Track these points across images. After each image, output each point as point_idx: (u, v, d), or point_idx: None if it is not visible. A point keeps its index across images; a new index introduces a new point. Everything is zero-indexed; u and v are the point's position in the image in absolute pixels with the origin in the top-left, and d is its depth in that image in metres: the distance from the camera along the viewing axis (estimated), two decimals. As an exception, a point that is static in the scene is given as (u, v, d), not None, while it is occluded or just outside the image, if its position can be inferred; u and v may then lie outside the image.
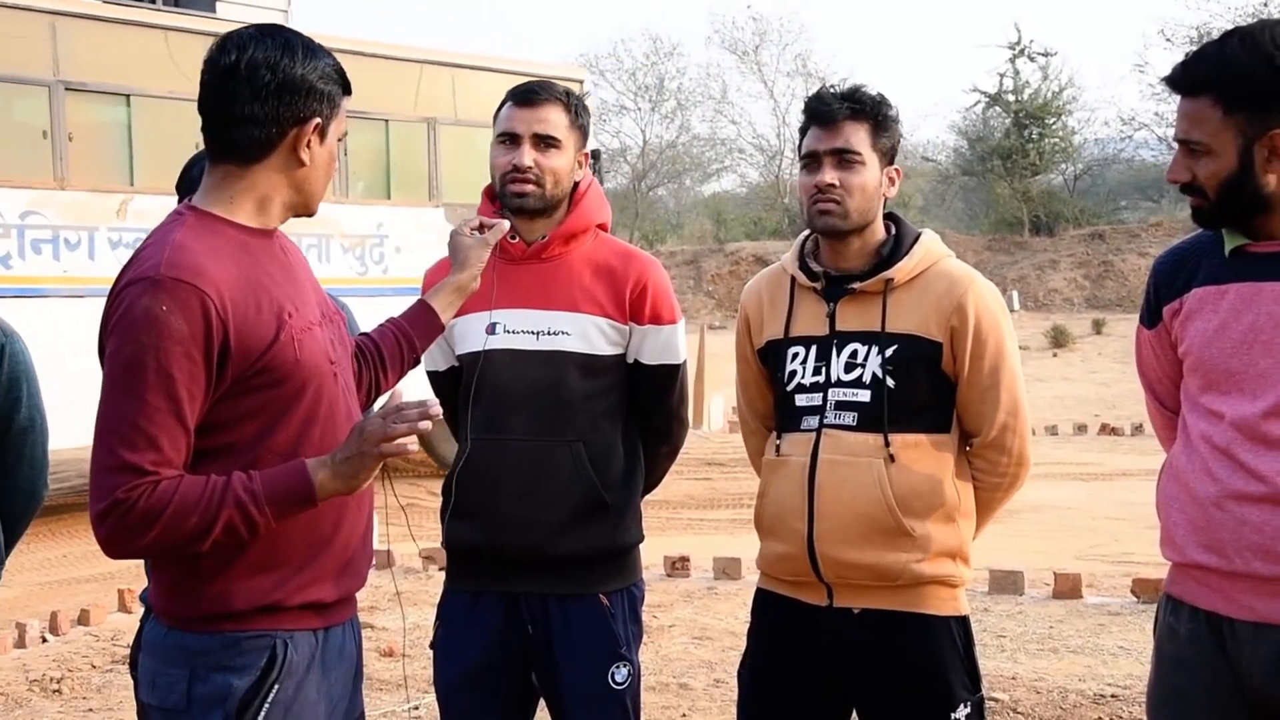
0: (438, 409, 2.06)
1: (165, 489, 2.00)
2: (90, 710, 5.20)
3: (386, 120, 11.10)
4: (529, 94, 2.86)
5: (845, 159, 2.70)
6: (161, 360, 1.99)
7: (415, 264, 10.93)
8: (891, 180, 2.78)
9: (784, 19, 51.14)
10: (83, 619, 6.52)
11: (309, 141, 2.18)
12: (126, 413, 2.00)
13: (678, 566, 7.29)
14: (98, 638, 6.29)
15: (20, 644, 6.09)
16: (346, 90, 2.26)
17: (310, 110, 2.17)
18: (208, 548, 2.05)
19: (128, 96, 9.61)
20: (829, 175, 2.70)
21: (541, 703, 2.98)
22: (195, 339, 2.01)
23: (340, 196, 10.72)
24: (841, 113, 2.71)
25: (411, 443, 2.06)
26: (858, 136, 2.71)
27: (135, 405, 1.99)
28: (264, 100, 2.12)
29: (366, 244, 10.87)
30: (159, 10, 10.15)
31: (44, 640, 6.23)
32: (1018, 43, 33.64)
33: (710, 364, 14.99)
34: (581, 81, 12.76)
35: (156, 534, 2.00)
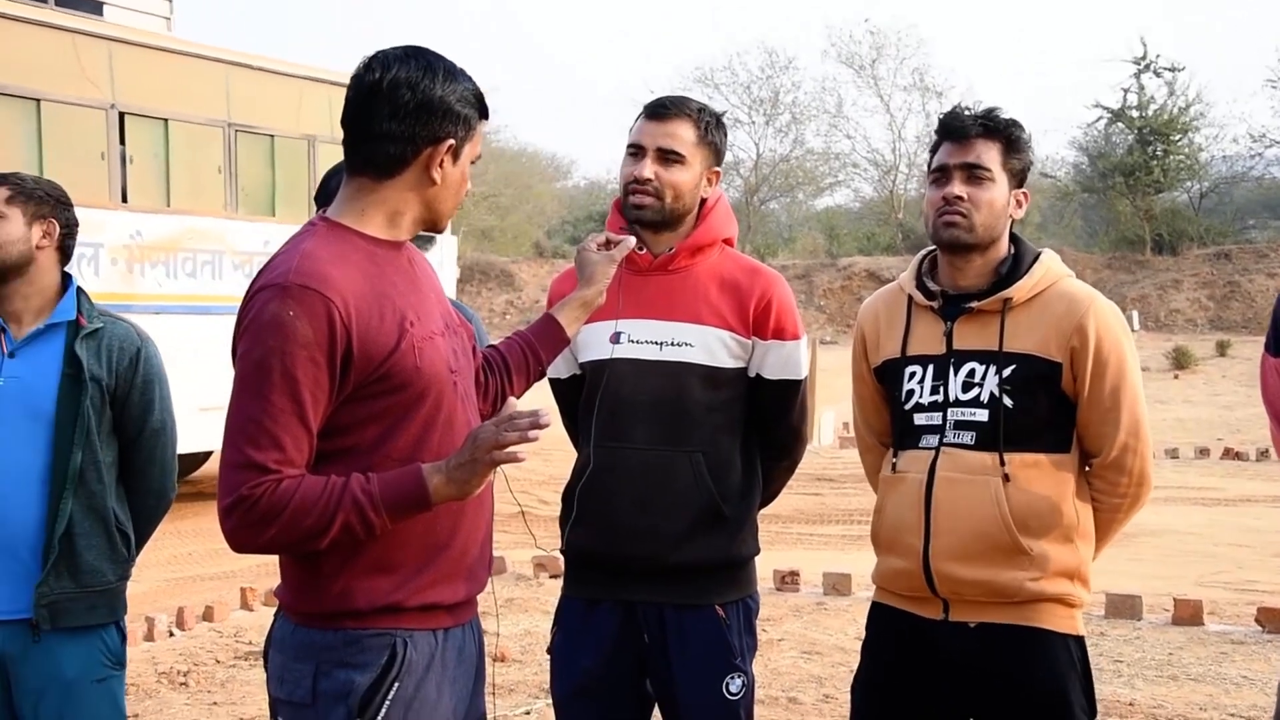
0: (548, 418, 2.10)
1: (287, 487, 2.08)
2: (215, 704, 5.36)
3: (272, 136, 10.95)
4: (659, 108, 2.90)
5: (975, 174, 2.72)
6: (287, 363, 2.06)
7: None
8: (1019, 203, 2.79)
9: (901, 33, 50.46)
10: (207, 615, 6.73)
11: (442, 161, 2.23)
12: (253, 413, 2.08)
13: (787, 580, 7.28)
14: (221, 634, 6.48)
15: (149, 637, 6.30)
16: (484, 114, 2.30)
17: (446, 131, 2.22)
18: (326, 546, 2.12)
19: (38, 102, 9.40)
20: (958, 188, 2.72)
21: (656, 711, 3.01)
22: (320, 344, 2.08)
23: (230, 212, 10.54)
24: (974, 129, 2.73)
25: (523, 450, 2.11)
26: (989, 154, 2.73)
27: (261, 406, 2.07)
28: (402, 118, 2.18)
29: (255, 261, 10.56)
30: (55, 10, 9.86)
31: (171, 634, 6.44)
32: (1143, 57, 32.98)
33: (822, 379, 14.91)
34: None
35: (277, 530, 2.08)
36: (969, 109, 2.79)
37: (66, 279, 3.09)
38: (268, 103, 10.86)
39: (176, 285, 10.18)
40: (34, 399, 2.95)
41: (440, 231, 2.38)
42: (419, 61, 2.22)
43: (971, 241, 2.74)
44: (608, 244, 2.77)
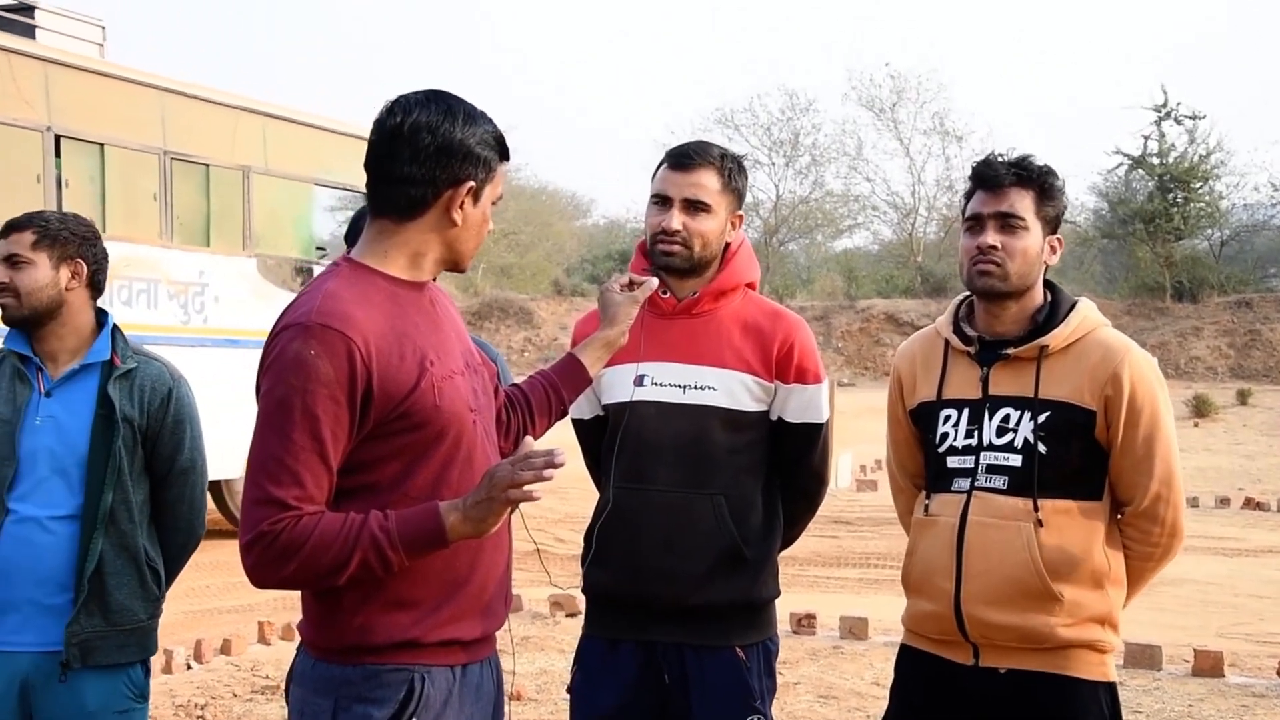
0: (563, 457, 2.11)
1: (306, 524, 2.10)
2: (230, 737, 5.37)
3: (207, 165, 10.63)
4: (683, 158, 2.93)
5: (1008, 223, 2.74)
6: (308, 401, 2.09)
7: (232, 315, 10.36)
8: (1053, 249, 2.81)
9: (922, 77, 50.53)
10: (225, 648, 6.74)
11: (462, 203, 2.26)
12: (274, 450, 2.10)
13: (804, 623, 7.25)
14: (238, 667, 6.49)
15: (167, 669, 6.30)
16: (504, 156, 2.33)
17: (466, 173, 2.25)
18: (344, 582, 2.13)
19: None
20: (991, 237, 2.74)
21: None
22: (340, 382, 2.10)
23: (166, 240, 10.20)
24: (1008, 178, 2.75)
25: (538, 489, 2.12)
26: (1023, 203, 2.75)
27: (282, 443, 2.10)
28: (422, 162, 2.21)
29: (189, 291, 10.27)
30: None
31: (189, 667, 6.45)
32: (1164, 105, 32.99)
33: (839, 421, 14.83)
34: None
35: (296, 566, 2.10)
36: (1002, 157, 2.80)
37: (102, 316, 3.13)
38: (203, 131, 10.61)
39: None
40: (68, 439, 2.98)
41: (462, 271, 2.40)
42: (439, 105, 2.25)
43: (1005, 290, 2.75)
44: (630, 285, 2.79)
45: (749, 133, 39.65)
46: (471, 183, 2.25)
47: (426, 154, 2.21)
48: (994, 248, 2.73)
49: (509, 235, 37.91)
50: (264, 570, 2.13)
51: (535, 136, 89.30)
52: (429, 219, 2.26)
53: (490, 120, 2.31)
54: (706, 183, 2.91)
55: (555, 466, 2.10)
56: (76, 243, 3.05)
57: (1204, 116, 33.20)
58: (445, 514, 2.14)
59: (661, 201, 2.93)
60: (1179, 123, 33.22)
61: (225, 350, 9.92)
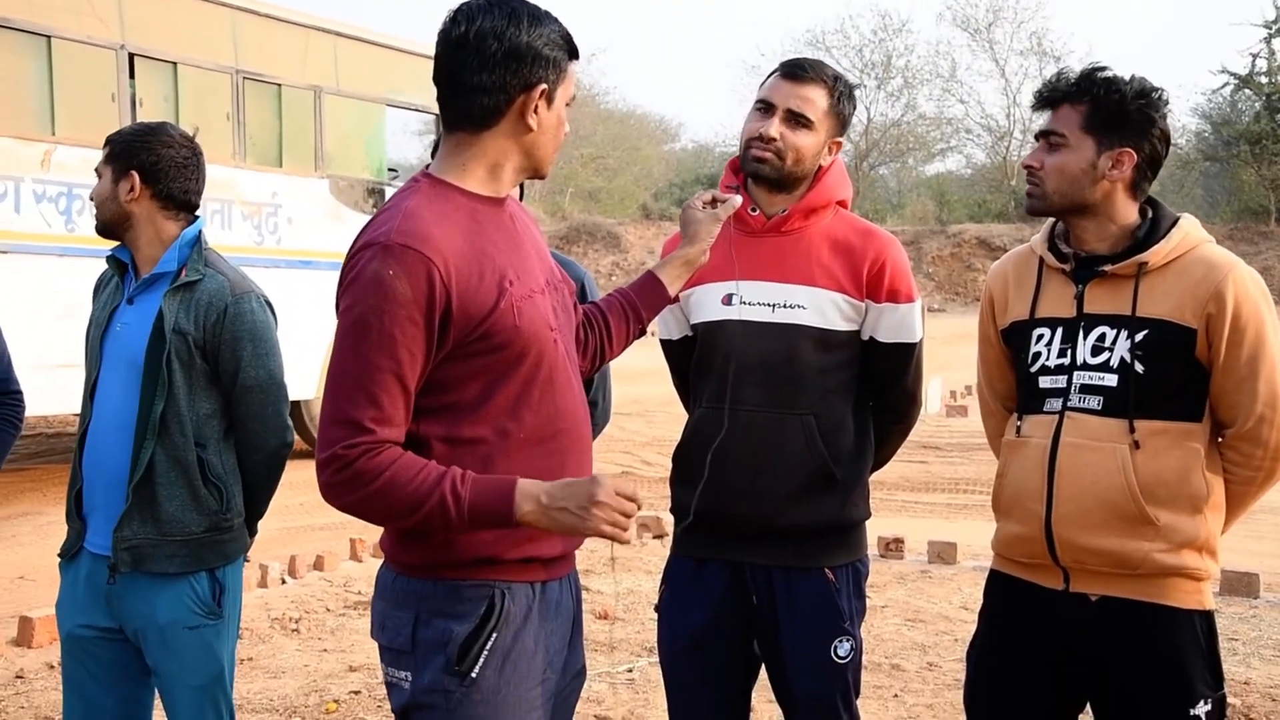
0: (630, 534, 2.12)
1: (381, 462, 2.09)
2: (325, 650, 5.50)
3: (279, 85, 10.50)
4: (797, 69, 2.87)
5: (1050, 140, 2.69)
6: (385, 322, 2.08)
7: (305, 236, 10.38)
8: (1117, 162, 2.65)
9: (1020, -5, 49.33)
10: (318, 564, 6.90)
11: (536, 107, 2.22)
12: (351, 369, 2.10)
13: (892, 548, 7.23)
14: (331, 583, 6.64)
15: (263, 584, 6.48)
16: (574, 55, 2.29)
17: (536, 76, 2.21)
18: (408, 528, 2.15)
19: (49, 39, 8.84)
20: (1031, 157, 2.70)
21: (762, 671, 3.00)
22: (418, 303, 2.08)
23: (239, 160, 10.12)
24: (1051, 96, 2.70)
25: (628, 535, 2.14)
26: (1068, 118, 2.67)
27: (359, 364, 2.09)
28: (491, 69, 2.18)
29: (263, 212, 10.25)
30: None
31: (283, 582, 6.62)
32: (1275, 20, 31.80)
33: (929, 346, 14.61)
34: None
35: (363, 496, 2.10)
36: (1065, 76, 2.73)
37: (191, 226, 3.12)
38: (274, 51, 10.52)
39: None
40: (133, 347, 3.00)
41: (543, 177, 2.37)
42: (502, 9, 2.20)
43: (1045, 208, 2.70)
44: (713, 202, 2.75)
45: (840, 54, 38.98)
46: (544, 85, 2.22)
47: (495, 60, 2.17)
48: (1032, 167, 2.69)
49: (597, 159, 37.84)
50: (332, 491, 2.14)
51: (624, 60, 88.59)
52: (504, 127, 2.23)
53: (556, 20, 2.27)
54: (814, 98, 2.84)
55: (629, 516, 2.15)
56: (128, 156, 3.05)
57: (1318, 32, 32.01)
58: (521, 500, 2.12)
59: (765, 108, 2.86)
60: (1290, 39, 32.04)
61: (299, 271, 10.01)
